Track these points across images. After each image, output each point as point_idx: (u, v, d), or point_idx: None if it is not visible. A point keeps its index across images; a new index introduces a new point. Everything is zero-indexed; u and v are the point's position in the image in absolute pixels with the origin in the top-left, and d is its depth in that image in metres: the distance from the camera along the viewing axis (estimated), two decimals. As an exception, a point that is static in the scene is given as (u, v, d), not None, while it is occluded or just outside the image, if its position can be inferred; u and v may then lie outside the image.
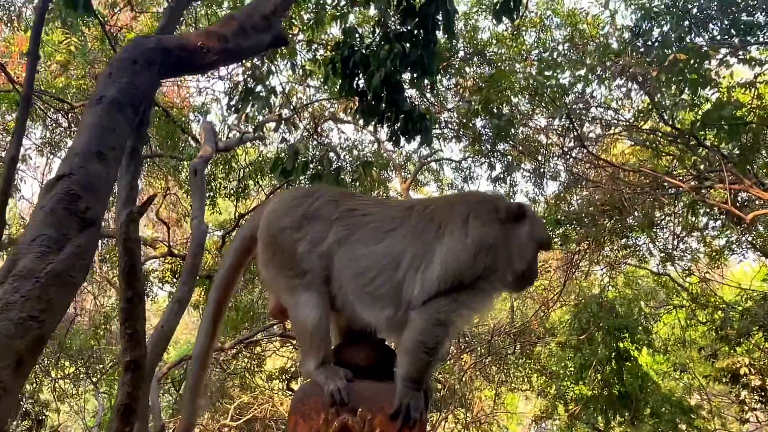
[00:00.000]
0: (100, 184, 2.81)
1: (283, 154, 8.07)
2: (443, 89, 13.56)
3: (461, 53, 12.80)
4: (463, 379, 17.32)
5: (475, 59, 12.82)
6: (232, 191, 12.44)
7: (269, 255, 2.46)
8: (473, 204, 2.44)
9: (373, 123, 8.27)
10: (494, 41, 12.60)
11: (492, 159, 12.98)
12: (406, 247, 2.32)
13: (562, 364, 17.00)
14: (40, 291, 2.37)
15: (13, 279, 2.37)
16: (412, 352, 2.14)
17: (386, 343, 2.43)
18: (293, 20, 8.28)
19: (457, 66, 12.96)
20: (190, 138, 11.88)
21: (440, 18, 7.25)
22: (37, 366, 15.35)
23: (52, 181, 2.71)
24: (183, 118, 12.08)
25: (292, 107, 12.35)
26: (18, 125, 3.42)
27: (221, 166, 11.97)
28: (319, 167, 7.62)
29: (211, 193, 11.82)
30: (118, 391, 3.32)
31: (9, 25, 10.59)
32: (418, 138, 8.25)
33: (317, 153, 9.51)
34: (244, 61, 7.53)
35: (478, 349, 16.41)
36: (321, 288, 2.33)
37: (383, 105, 7.82)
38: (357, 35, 7.95)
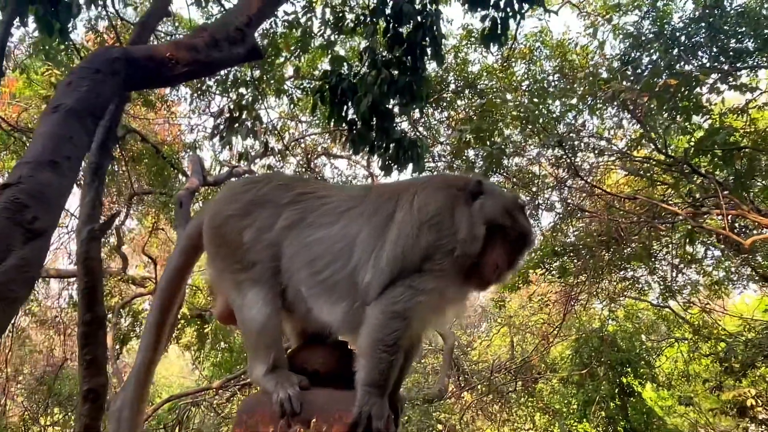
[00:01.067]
0: (51, 193, 2.64)
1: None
2: (435, 122, 13.54)
3: (452, 86, 12.80)
4: (464, 418, 16.85)
5: (467, 92, 12.81)
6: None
7: (214, 248, 2.23)
8: (429, 180, 2.24)
9: (364, 151, 8.19)
10: (485, 73, 12.62)
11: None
12: (361, 228, 2.08)
13: (565, 401, 16.58)
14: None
15: (-54, 294, 2.17)
16: (371, 352, 1.88)
17: (349, 346, 2.15)
18: (280, 49, 8.24)
19: (448, 99, 12.95)
20: (180, 174, 11.77)
21: (428, 44, 7.23)
22: (25, 413, 14.93)
23: (-3, 191, 2.53)
24: (174, 155, 11.99)
25: (284, 143, 12.29)
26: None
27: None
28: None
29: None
30: (76, 423, 3.06)
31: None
32: (410, 166, 8.16)
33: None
34: (229, 90, 7.46)
35: (479, 387, 15.98)
36: (270, 282, 2.09)
37: (373, 133, 7.74)
38: (344, 63, 7.91)
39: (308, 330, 2.19)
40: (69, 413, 15.45)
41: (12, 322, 14.36)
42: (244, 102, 7.44)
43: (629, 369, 14.88)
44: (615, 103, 10.32)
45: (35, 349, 15.66)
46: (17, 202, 2.46)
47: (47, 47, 7.61)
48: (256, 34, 5.48)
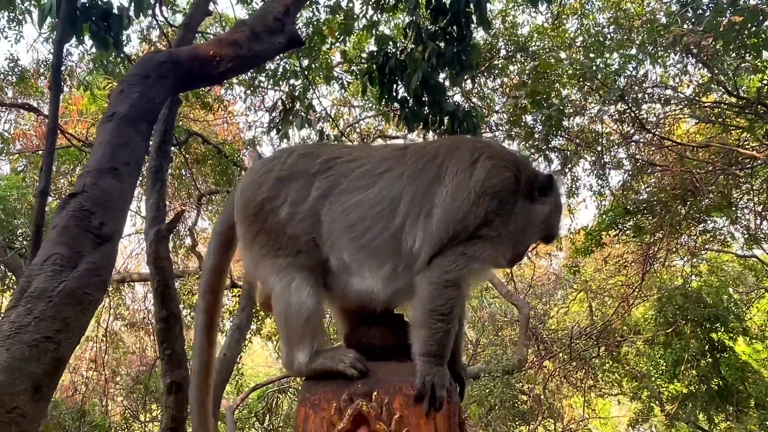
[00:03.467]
0: (114, 199, 2.74)
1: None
2: (489, 91, 13.28)
3: (503, 52, 12.50)
4: (548, 387, 16.64)
5: (518, 56, 12.48)
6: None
7: (251, 236, 2.14)
8: (487, 147, 2.13)
9: (418, 128, 8.13)
10: (535, 35, 12.25)
11: (547, 154, 12.53)
12: (403, 189, 2.00)
13: (653, 363, 16.09)
14: (54, 311, 2.29)
15: (26, 300, 2.30)
16: (427, 323, 1.85)
17: (403, 319, 2.11)
18: (325, 35, 8.25)
19: (500, 65, 12.66)
20: (243, 171, 12.04)
21: (472, 11, 7.07)
22: (126, 411, 15.81)
23: (65, 200, 2.66)
24: (235, 154, 12.29)
25: (339, 130, 12.37)
26: (45, 158, 3.43)
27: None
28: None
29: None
30: (163, 415, 3.21)
31: (63, 83, 11.07)
32: (466, 138, 8.04)
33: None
34: (280, 83, 7.55)
35: (560, 354, 15.73)
36: (314, 263, 2.03)
37: (426, 108, 7.67)
38: (390, 42, 7.85)
39: (351, 307, 2.14)
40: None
41: (105, 327, 15.22)
42: (296, 93, 7.51)
43: (718, 324, 14.28)
44: (677, 49, 9.79)
45: (128, 350, 16.51)
46: (84, 210, 2.58)
47: (105, 62, 7.91)
48: (297, 23, 5.51)
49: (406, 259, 1.95)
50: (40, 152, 10.89)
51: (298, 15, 6.43)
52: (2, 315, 2.30)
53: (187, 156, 11.85)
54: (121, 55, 5.03)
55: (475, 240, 1.93)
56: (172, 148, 12.32)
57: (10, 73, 10.54)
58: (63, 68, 10.86)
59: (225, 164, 11.66)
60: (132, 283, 14.38)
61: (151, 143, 4.26)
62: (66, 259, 2.44)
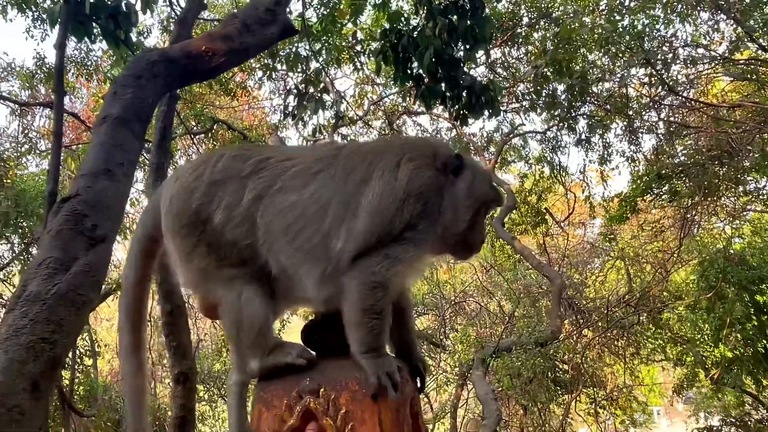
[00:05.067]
0: (108, 200, 2.83)
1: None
2: (513, 60, 13.04)
3: (525, 20, 12.22)
4: (589, 356, 16.51)
5: (542, 23, 12.19)
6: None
7: (188, 248, 2.03)
8: (410, 147, 2.10)
9: (435, 105, 8.07)
10: (558, 0, 11.93)
11: (577, 122, 12.28)
12: (334, 192, 1.98)
13: (696, 328, 15.77)
14: (48, 313, 2.40)
15: (22, 304, 2.42)
16: (362, 323, 1.86)
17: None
18: (336, 18, 8.22)
19: (523, 34, 12.39)
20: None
21: (484, -19, 6.94)
22: (166, 393, 16.42)
23: (59, 204, 2.76)
24: (260, 139, 12.41)
25: (363, 109, 12.37)
26: (52, 161, 3.55)
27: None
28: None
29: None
30: (172, 404, 3.34)
31: (90, 79, 11.35)
32: (486, 112, 7.95)
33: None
34: (294, 68, 7.58)
35: (599, 323, 15.55)
36: (260, 274, 1.98)
37: (443, 84, 7.60)
38: (401, 18, 7.77)
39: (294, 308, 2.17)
40: (211, 388, 16.85)
41: (149, 312, 15.73)
42: (310, 77, 7.53)
43: (764, 286, 13.87)
44: (705, 5, 9.41)
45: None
46: (77, 213, 2.68)
47: (124, 56, 8.06)
48: (307, 6, 5.49)
49: (335, 262, 1.94)
50: (72, 147, 11.23)
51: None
52: (1, 321, 2.43)
53: (214, 142, 12.03)
54: (134, 51, 5.11)
55: (400, 242, 1.93)
56: (201, 137, 12.54)
57: (38, 71, 10.84)
58: (89, 64, 11.13)
59: (251, 150, 11.78)
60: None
61: (151, 141, 4.40)
62: (59, 262, 2.55)
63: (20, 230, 10.49)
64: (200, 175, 2.07)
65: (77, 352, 11.49)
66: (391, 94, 12.90)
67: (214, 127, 11.82)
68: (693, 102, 11.74)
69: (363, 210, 1.94)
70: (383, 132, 12.83)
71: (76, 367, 11.47)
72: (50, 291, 2.43)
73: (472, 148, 13.81)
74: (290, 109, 7.41)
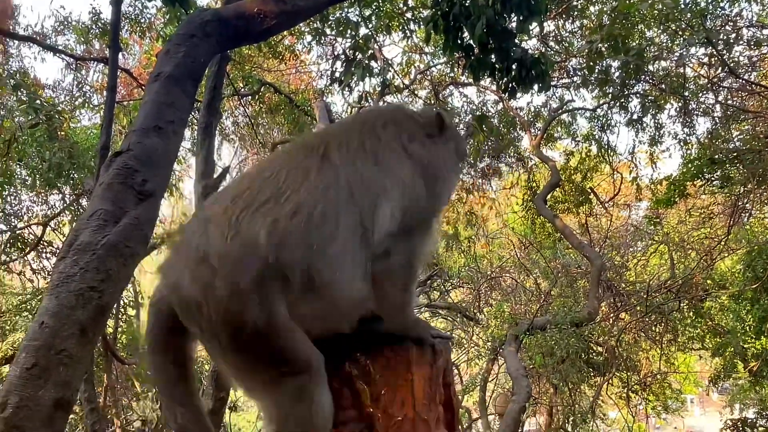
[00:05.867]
0: (158, 157, 2.90)
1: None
2: (567, 34, 12.69)
3: (582, -9, 11.84)
4: (625, 339, 16.32)
5: (599, -5, 11.79)
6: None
7: (239, 343, 1.59)
8: (393, 121, 1.98)
9: (484, 77, 7.93)
10: (618, -29, 11.49)
11: (629, 101, 11.94)
12: (347, 183, 1.75)
13: (738, 319, 15.40)
14: (98, 262, 2.49)
15: (73, 253, 2.52)
16: (405, 301, 1.86)
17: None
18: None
19: (579, 6, 12.02)
20: (314, 121, 12.22)
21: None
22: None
23: (111, 158, 2.84)
24: (306, 103, 12.44)
25: (410, 78, 12.25)
26: (106, 115, 3.64)
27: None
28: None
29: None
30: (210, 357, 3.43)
31: (143, 36, 11.50)
32: (535, 86, 7.79)
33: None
34: (344, 33, 7.53)
35: (637, 308, 15.31)
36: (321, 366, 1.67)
37: (492, 56, 7.46)
38: (455, -14, 7.60)
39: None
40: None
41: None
42: (358, 43, 7.48)
43: (814, 280, 13.40)
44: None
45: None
46: (127, 168, 2.76)
47: (178, 15, 8.13)
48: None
49: (377, 253, 1.80)
50: (123, 103, 11.46)
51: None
52: (53, 267, 2.54)
53: (261, 105, 12.12)
54: (188, 10, 5.16)
55: (429, 215, 1.93)
56: (248, 98, 12.65)
57: (93, 26, 11.03)
58: (142, 21, 11.27)
59: (297, 114, 11.85)
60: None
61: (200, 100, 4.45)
62: (110, 214, 2.63)
63: (72, 181, 10.82)
64: (229, 244, 1.60)
65: (122, 302, 11.91)
66: (439, 64, 12.73)
67: (261, 89, 11.89)
68: (754, 85, 11.26)
69: (392, 194, 1.82)
70: (428, 102, 12.69)
71: (119, 316, 11.91)
72: (100, 242, 2.52)
73: (518, 122, 13.58)
74: (337, 74, 7.40)
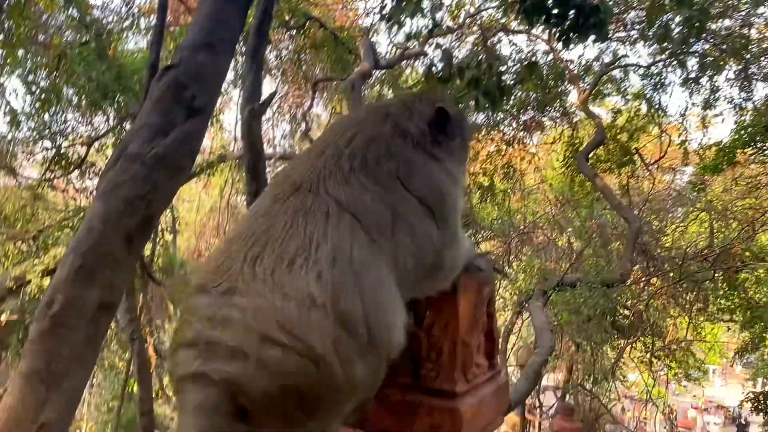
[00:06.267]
0: (208, 74, 2.88)
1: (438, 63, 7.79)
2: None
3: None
4: (653, 304, 16.17)
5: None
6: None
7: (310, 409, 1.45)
8: (385, 147, 1.72)
9: (539, 23, 7.66)
10: None
11: (683, 59, 11.44)
12: (370, 231, 1.58)
13: (773, 294, 15.12)
14: (146, 173, 2.51)
15: (122, 161, 2.54)
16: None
17: None
18: None
19: (644, -46, 11.44)
20: (358, 59, 12.03)
21: None
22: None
23: (162, 72, 2.82)
24: (351, 41, 12.23)
25: (459, 20, 11.93)
26: (155, 34, 3.62)
27: (388, 85, 12.00)
28: (476, 72, 7.19)
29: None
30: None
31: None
32: (591, 36, 7.50)
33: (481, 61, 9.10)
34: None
35: (670, 274, 15.09)
36: None
37: (549, 0, 7.18)
38: (514, -75, 7.29)
39: None
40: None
41: (228, 199, 16.40)
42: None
43: None
44: None
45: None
46: (178, 83, 2.75)
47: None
48: None
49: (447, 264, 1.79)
50: (170, 28, 11.41)
51: None
52: (100, 175, 2.56)
53: (305, 40, 11.97)
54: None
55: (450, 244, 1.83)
56: (293, 32, 12.48)
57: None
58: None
59: (341, 51, 11.68)
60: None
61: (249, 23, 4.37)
62: (159, 127, 2.64)
63: (117, 104, 10.93)
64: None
65: (159, 226, 12.18)
66: (491, 8, 12.34)
67: (307, 23, 11.71)
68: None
69: (435, 206, 1.74)
70: (476, 46, 12.35)
71: (156, 240, 12.21)
72: (149, 153, 2.54)
73: (567, 75, 13.16)
74: (387, 10, 7.20)
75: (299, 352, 1.36)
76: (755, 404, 16.48)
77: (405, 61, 11.54)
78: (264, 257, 1.46)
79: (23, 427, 2.21)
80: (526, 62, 10.27)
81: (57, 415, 2.30)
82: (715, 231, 15.25)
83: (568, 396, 17.14)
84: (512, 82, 9.70)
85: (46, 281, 10.72)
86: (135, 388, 13.95)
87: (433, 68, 7.03)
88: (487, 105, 7.68)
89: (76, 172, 12.25)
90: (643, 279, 15.63)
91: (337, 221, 1.54)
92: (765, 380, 19.55)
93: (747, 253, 14.76)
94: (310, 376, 1.37)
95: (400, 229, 1.61)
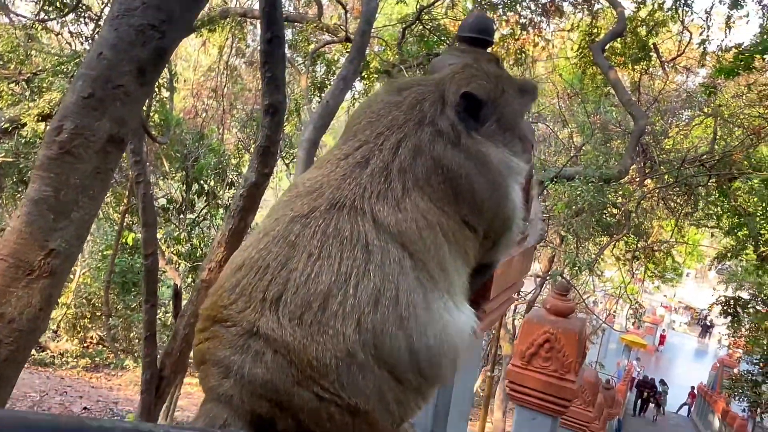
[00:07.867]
0: None
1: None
2: None
3: None
4: (643, 205, 16.35)
5: None
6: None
7: None
8: (419, 119, 1.57)
9: None
10: None
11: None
12: (413, 258, 1.42)
13: (762, 204, 15.25)
14: (160, 0, 2.32)
15: (135, -17, 2.34)
16: None
17: None
18: None
19: None
20: None
21: None
22: (239, 143, 17.11)
23: None
24: None
25: None
26: None
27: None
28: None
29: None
30: (258, 134, 3.40)
31: None
32: None
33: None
34: None
35: (666, 176, 15.12)
36: None
37: None
38: None
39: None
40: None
41: (227, 60, 15.86)
42: None
43: None
44: None
45: (245, 87, 17.34)
46: None
47: None
48: None
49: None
50: None
51: None
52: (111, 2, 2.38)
53: None
54: None
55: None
56: None
57: None
58: None
59: None
60: (254, 22, 14.55)
61: None
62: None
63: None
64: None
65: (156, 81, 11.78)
66: None
67: None
68: None
69: (492, 227, 1.66)
70: None
71: (153, 95, 11.88)
72: (164, -23, 2.35)
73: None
74: None
75: (340, 405, 1.26)
76: (725, 308, 17.20)
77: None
78: (287, 299, 1.30)
79: (32, 250, 2.19)
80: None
81: (66, 245, 2.28)
82: (718, 137, 15.13)
83: (545, 284, 17.69)
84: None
85: (42, 126, 10.53)
86: (130, 239, 14.23)
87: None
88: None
89: (71, 15, 11.67)
90: (638, 179, 15.70)
91: (382, 253, 1.35)
92: (738, 286, 20.28)
93: (745, 162, 14.75)
94: (348, 427, 1.29)
95: (454, 257, 1.49)
